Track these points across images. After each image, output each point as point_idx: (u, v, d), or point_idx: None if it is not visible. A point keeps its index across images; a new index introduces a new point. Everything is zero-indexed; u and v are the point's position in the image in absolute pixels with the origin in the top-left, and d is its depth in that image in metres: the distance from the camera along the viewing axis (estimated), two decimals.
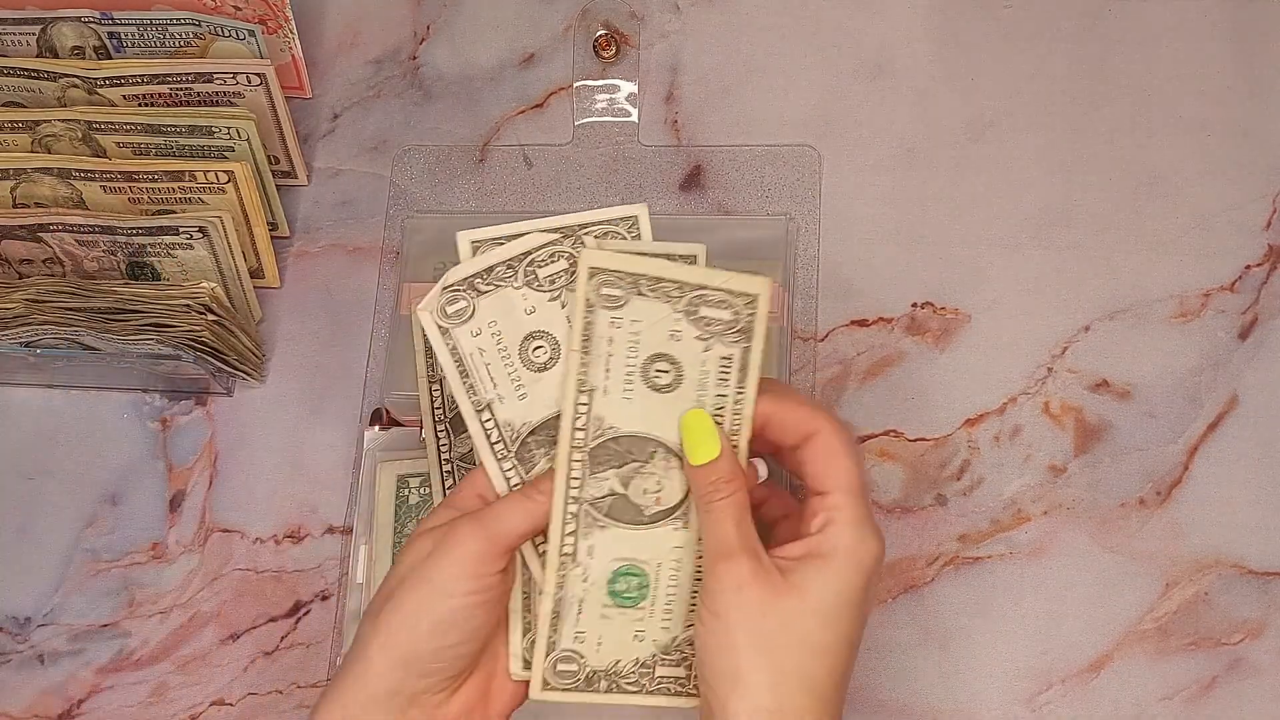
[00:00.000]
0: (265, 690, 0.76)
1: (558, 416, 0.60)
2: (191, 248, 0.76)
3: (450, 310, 0.60)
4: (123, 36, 0.80)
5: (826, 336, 0.78)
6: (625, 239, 0.61)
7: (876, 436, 0.76)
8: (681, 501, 0.60)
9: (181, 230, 0.76)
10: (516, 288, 0.61)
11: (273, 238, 0.81)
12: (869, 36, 0.84)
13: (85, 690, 0.77)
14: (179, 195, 0.78)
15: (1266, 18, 0.82)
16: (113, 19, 0.79)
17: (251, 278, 0.79)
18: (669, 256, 0.60)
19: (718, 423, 0.59)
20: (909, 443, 0.76)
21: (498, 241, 0.61)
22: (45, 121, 0.77)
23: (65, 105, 0.79)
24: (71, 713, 0.76)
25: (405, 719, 0.58)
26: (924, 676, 0.72)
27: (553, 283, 0.61)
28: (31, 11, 0.79)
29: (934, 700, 0.72)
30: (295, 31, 0.81)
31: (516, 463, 0.61)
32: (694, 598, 0.61)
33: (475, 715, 0.60)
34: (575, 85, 0.85)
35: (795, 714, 0.55)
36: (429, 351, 0.72)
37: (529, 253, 0.61)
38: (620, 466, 0.59)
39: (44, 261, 0.78)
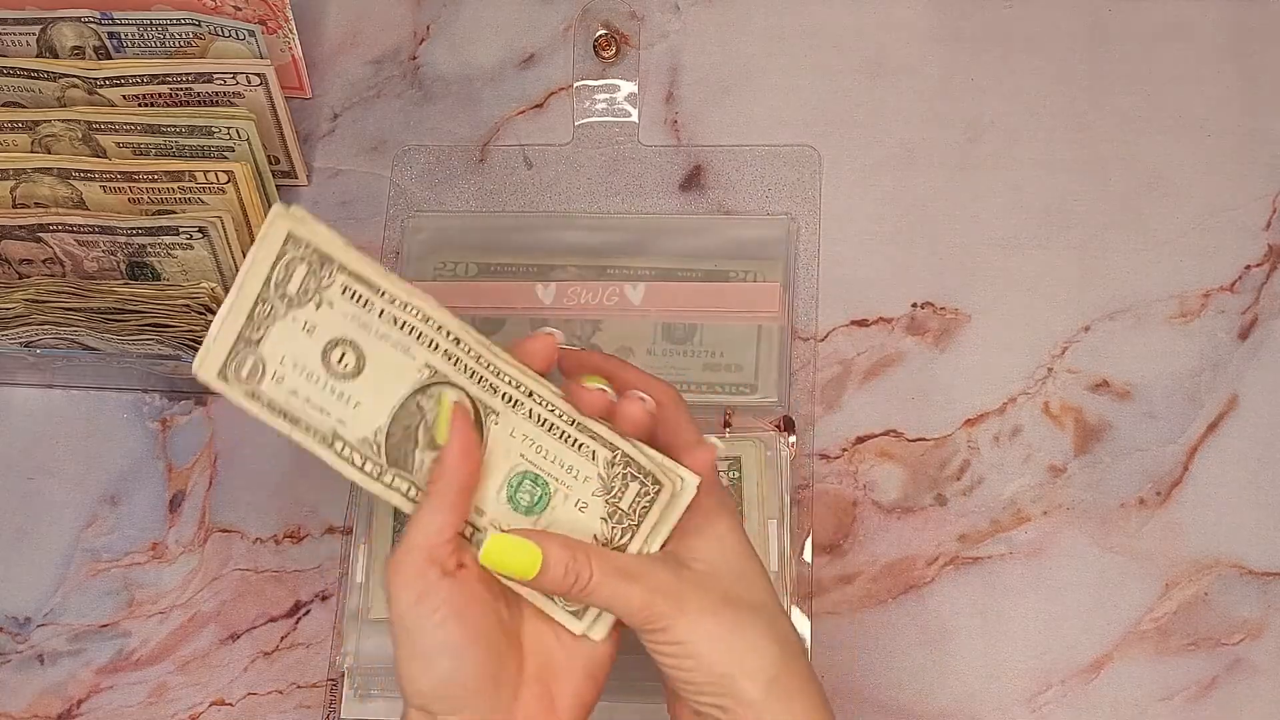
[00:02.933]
0: (265, 690, 0.76)
1: (401, 407, 0.57)
2: (191, 248, 0.76)
3: (244, 373, 0.57)
4: (123, 36, 0.80)
5: (826, 336, 0.78)
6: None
7: (876, 436, 0.76)
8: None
9: (181, 230, 0.76)
10: (282, 316, 0.57)
11: None
12: (869, 36, 0.84)
13: (85, 690, 0.77)
14: (179, 195, 0.78)
15: (1266, 18, 0.82)
16: (113, 19, 0.79)
17: None
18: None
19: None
20: (909, 443, 0.76)
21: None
22: (45, 121, 0.77)
23: (65, 105, 0.79)
24: (71, 713, 0.76)
25: None
26: (924, 676, 0.72)
27: (305, 292, 0.57)
28: (31, 11, 0.79)
29: (934, 700, 0.72)
30: (295, 31, 0.81)
31: (396, 471, 0.58)
32: None
33: None
34: (575, 85, 0.85)
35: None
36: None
37: (268, 279, 0.57)
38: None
39: (44, 261, 0.78)
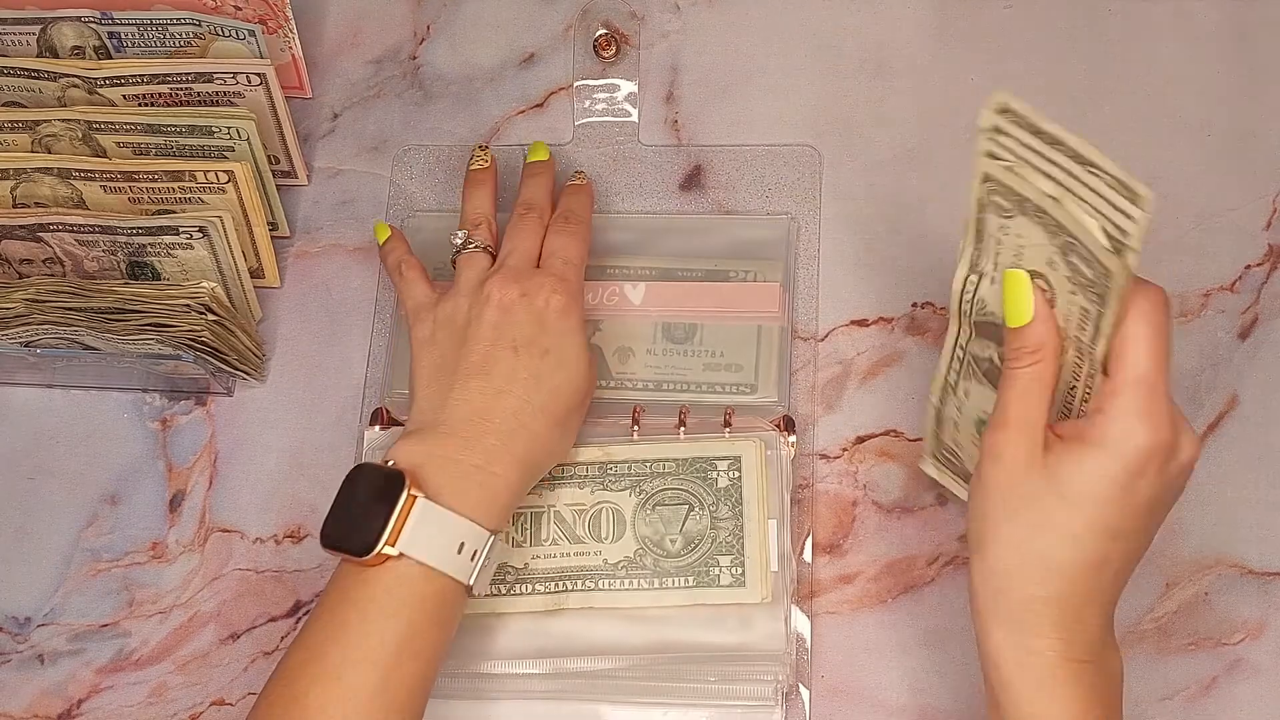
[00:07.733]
0: None
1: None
2: (191, 248, 0.76)
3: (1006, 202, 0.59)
4: (123, 36, 0.80)
5: (826, 336, 0.78)
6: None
7: (876, 436, 0.76)
8: None
9: (181, 230, 0.76)
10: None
11: (273, 238, 0.81)
12: (869, 36, 0.84)
13: (85, 690, 0.77)
14: (179, 195, 0.78)
15: (1266, 18, 0.82)
16: (113, 19, 0.79)
17: (251, 278, 0.79)
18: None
19: (1078, 362, 0.59)
20: (909, 443, 0.76)
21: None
22: (45, 121, 0.77)
23: (65, 105, 0.79)
24: (71, 713, 0.76)
25: None
26: (924, 676, 0.72)
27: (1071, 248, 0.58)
28: (31, 11, 0.79)
29: (934, 700, 0.72)
30: (295, 31, 0.81)
31: (969, 326, 0.65)
32: None
33: None
34: (575, 85, 0.85)
35: (1027, 589, 0.57)
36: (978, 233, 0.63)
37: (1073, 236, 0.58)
38: (1000, 344, 0.62)
39: (44, 261, 0.78)
